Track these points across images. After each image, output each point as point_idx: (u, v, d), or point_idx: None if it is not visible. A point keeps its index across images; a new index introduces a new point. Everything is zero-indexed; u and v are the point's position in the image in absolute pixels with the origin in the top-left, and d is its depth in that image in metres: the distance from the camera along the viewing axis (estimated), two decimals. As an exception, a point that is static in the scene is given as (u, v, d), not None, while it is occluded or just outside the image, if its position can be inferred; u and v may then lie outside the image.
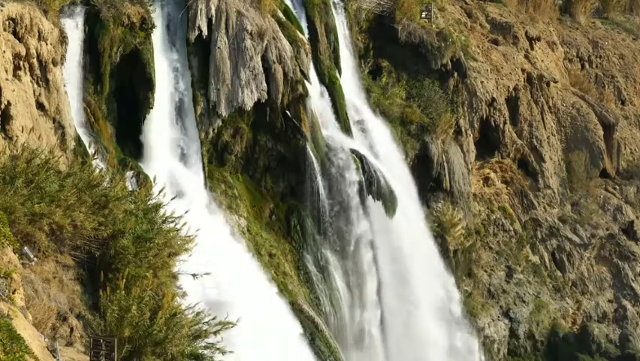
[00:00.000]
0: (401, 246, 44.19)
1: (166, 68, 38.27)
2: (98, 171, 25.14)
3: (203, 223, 27.72)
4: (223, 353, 21.85)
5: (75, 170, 23.90)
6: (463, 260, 50.42)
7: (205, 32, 38.79)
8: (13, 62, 30.33)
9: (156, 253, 22.61)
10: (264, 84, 39.86)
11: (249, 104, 39.57)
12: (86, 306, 21.70)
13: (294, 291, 39.87)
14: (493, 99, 52.68)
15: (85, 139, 33.85)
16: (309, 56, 42.59)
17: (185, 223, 24.31)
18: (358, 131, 45.43)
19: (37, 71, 31.79)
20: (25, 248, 20.76)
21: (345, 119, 44.69)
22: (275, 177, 41.98)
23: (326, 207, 41.82)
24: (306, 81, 41.71)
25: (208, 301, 27.55)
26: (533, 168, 55.35)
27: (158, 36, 38.03)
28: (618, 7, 70.90)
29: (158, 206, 24.56)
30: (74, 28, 34.98)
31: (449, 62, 50.41)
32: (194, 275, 24.51)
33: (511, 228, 54.19)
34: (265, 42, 40.06)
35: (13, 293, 17.91)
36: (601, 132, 58.53)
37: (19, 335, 16.05)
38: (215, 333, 21.84)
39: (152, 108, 36.93)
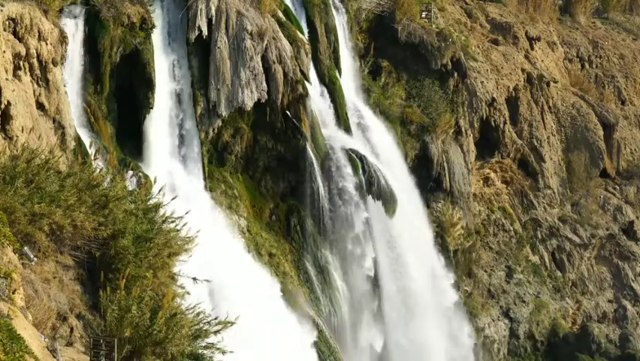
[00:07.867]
0: (401, 245, 44.18)
1: (166, 68, 38.29)
2: (98, 171, 25.12)
3: (203, 223, 27.70)
4: (223, 353, 21.84)
5: (75, 170, 23.89)
6: (463, 260, 50.41)
7: (205, 32, 38.80)
8: (13, 62, 30.33)
9: (156, 253, 22.58)
10: (264, 84, 39.87)
11: (249, 104, 39.59)
12: (86, 306, 21.69)
13: (294, 291, 39.87)
14: (493, 99, 52.66)
15: (85, 139, 33.85)
16: (309, 56, 42.59)
17: (185, 223, 24.30)
18: (358, 131, 45.42)
19: (37, 71, 31.78)
20: (25, 248, 20.73)
21: (345, 119, 44.70)
22: (275, 177, 41.96)
23: (326, 207, 41.81)
24: (306, 81, 41.72)
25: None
26: (533, 168, 55.32)
27: (158, 36, 38.04)
28: (618, 7, 70.90)
29: (158, 206, 24.53)
30: (74, 28, 34.98)
31: (449, 62, 50.41)
32: (194, 279, 24.46)
33: (511, 228, 54.17)
34: (265, 42, 40.07)
35: (13, 293, 17.91)
36: (601, 132, 58.50)
37: (19, 335, 16.05)
38: (215, 333, 21.82)
39: (152, 108, 36.96)
